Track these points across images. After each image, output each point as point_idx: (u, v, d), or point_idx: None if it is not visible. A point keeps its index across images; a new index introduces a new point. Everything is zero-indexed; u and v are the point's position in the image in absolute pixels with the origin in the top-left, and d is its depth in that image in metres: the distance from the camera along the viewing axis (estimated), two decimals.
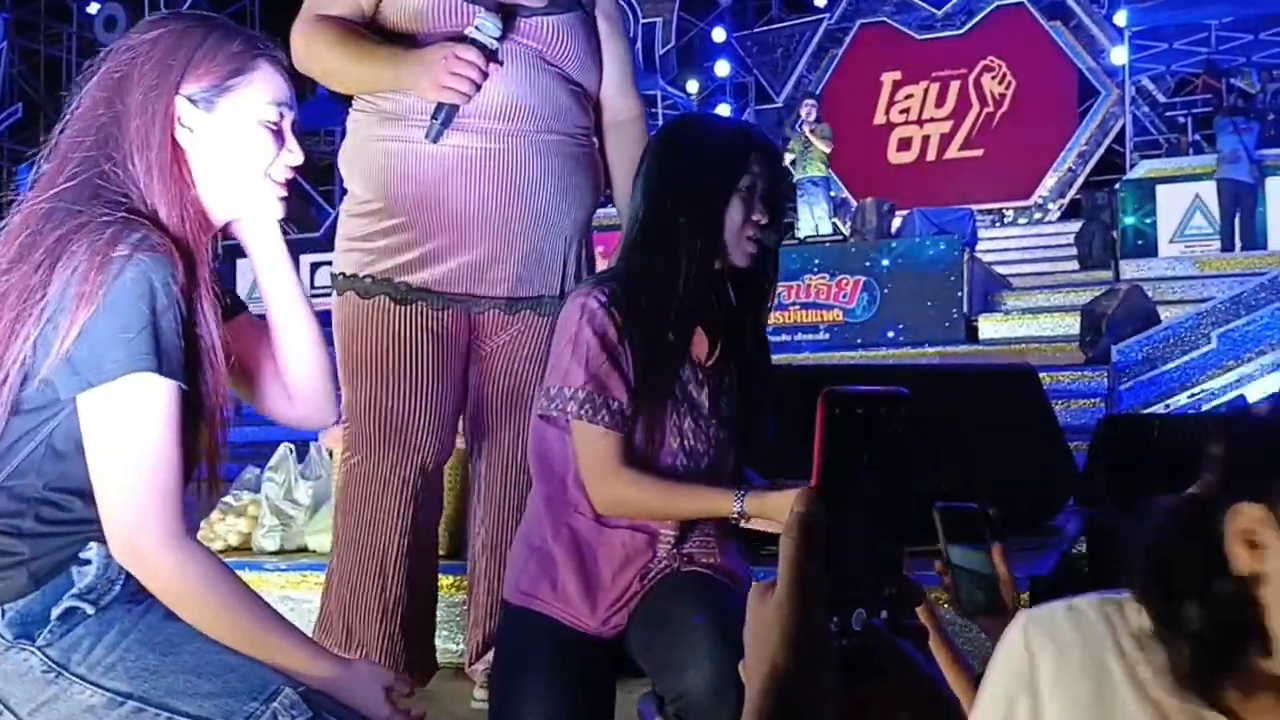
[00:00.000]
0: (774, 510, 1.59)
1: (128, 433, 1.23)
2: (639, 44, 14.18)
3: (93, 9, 15.89)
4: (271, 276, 1.44)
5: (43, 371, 1.22)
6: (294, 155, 1.40)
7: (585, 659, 1.72)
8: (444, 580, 2.72)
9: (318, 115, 12.16)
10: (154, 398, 1.23)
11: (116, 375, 1.21)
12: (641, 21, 14.26)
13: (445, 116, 2.27)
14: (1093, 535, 3.67)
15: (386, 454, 2.33)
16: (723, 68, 15.58)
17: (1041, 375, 6.27)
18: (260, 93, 1.37)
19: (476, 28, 2.24)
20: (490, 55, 2.26)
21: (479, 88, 2.25)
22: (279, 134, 1.39)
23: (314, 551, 3.23)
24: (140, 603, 1.26)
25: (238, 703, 1.23)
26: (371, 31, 2.35)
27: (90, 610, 1.24)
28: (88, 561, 1.25)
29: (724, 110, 15.54)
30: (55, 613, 1.22)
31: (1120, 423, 4.49)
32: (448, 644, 2.70)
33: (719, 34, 15.63)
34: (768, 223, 1.73)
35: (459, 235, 2.34)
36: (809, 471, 0.72)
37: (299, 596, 2.97)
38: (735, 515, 1.62)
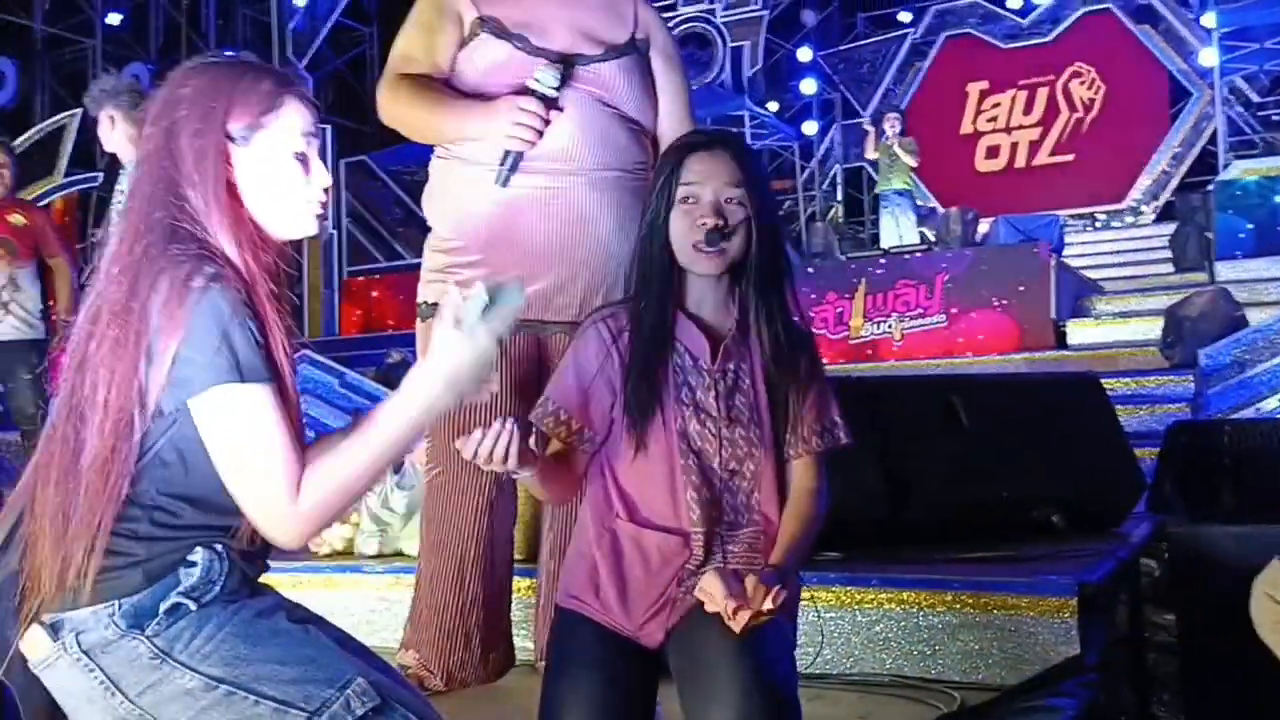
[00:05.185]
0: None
1: (236, 438, 1.37)
2: (728, 68, 14.33)
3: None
4: (393, 414, 1.46)
5: (153, 395, 1.37)
6: (323, 178, 1.53)
7: (627, 662, 1.76)
8: (522, 582, 2.83)
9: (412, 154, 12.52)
10: (241, 402, 1.36)
11: (204, 388, 1.36)
12: (730, 45, 14.43)
13: (513, 162, 2.47)
14: (1171, 542, 3.66)
15: (463, 466, 2.43)
16: (809, 85, 15.67)
17: (1126, 380, 6.25)
18: (291, 126, 1.49)
19: (536, 80, 2.45)
20: (551, 103, 2.45)
21: (542, 134, 2.47)
22: (307, 161, 1.51)
23: (408, 555, 3.34)
24: (235, 601, 1.42)
25: (316, 689, 1.38)
26: (448, 86, 2.56)
27: (193, 606, 1.38)
28: (194, 564, 1.39)
29: (810, 127, 15.64)
30: (163, 607, 1.37)
31: (1189, 429, 4.48)
32: (525, 642, 2.79)
33: (805, 54, 15.71)
34: (714, 226, 1.76)
35: (528, 267, 2.49)
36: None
37: (394, 597, 3.13)
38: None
